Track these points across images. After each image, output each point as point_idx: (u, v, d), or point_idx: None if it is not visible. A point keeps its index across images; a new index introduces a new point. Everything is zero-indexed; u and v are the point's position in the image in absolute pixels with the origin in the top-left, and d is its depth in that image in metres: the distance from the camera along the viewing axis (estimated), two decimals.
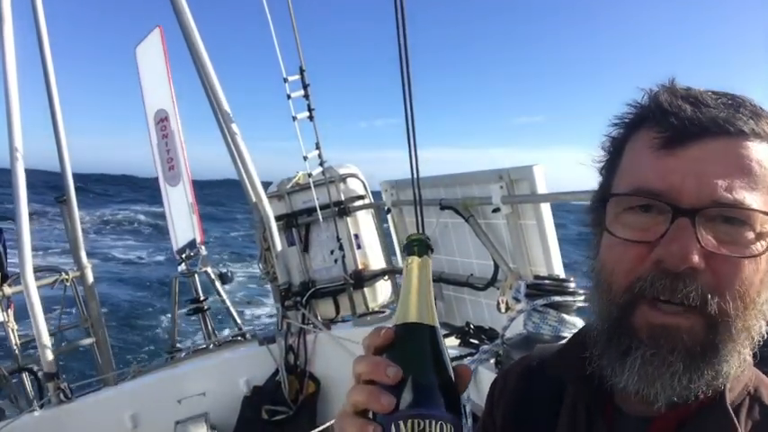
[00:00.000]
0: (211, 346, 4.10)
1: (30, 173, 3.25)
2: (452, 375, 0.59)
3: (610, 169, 0.69)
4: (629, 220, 0.62)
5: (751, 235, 0.58)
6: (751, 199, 0.58)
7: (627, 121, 0.67)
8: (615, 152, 0.68)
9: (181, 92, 4.60)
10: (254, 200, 3.77)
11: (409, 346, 0.59)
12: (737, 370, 0.61)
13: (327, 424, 3.11)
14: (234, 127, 3.68)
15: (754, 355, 0.68)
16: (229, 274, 4.82)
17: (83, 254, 3.87)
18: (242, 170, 3.76)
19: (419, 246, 0.62)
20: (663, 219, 0.59)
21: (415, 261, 0.62)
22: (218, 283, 4.69)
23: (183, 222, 4.68)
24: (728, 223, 0.58)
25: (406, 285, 0.62)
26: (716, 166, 0.58)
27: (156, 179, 4.90)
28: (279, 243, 3.83)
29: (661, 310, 0.59)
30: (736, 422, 0.62)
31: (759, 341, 0.63)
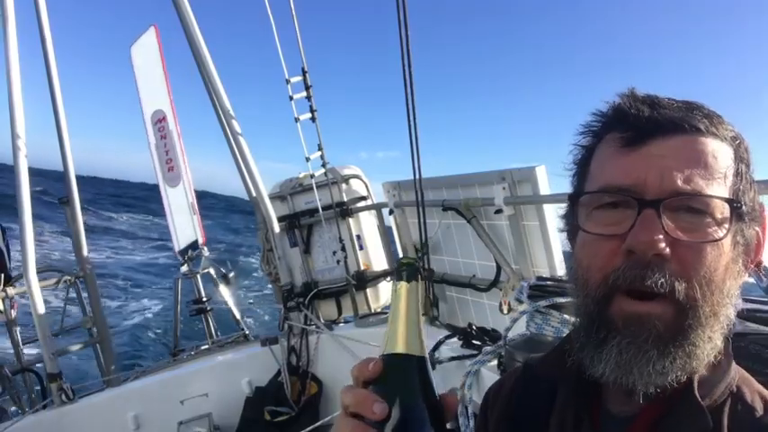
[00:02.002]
0: (214, 347, 4.11)
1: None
2: (440, 407, 0.59)
3: (581, 175, 0.73)
4: (599, 217, 0.67)
5: (711, 222, 0.63)
6: (709, 189, 0.63)
7: (593, 129, 0.72)
8: (584, 159, 0.73)
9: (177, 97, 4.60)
10: (254, 195, 3.77)
11: (397, 380, 0.59)
12: (709, 354, 0.64)
13: (328, 417, 3.11)
14: (235, 125, 3.68)
15: (738, 353, 0.70)
16: (230, 274, 4.82)
17: (86, 255, 3.88)
18: (244, 170, 3.77)
19: (408, 271, 0.62)
20: (630, 212, 0.63)
21: (403, 287, 0.62)
22: (221, 284, 4.70)
23: (183, 223, 4.68)
24: (690, 213, 0.63)
25: (393, 312, 0.62)
26: (675, 160, 0.63)
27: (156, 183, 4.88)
28: (280, 242, 3.83)
29: (634, 299, 0.63)
30: (705, 409, 0.63)
31: (729, 327, 0.66)
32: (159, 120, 4.65)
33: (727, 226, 0.63)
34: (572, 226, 0.72)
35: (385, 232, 4.02)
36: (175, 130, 4.56)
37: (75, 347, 3.84)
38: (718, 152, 0.65)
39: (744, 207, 0.64)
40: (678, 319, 0.62)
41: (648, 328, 0.62)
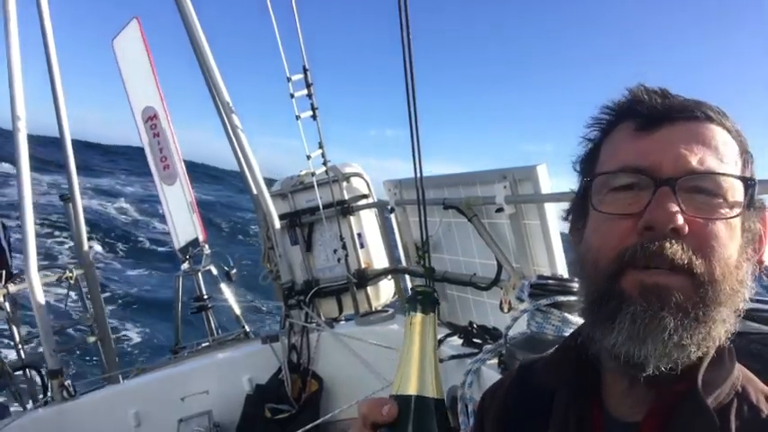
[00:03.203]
0: (214, 344, 4.11)
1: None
2: None
3: (589, 162, 0.73)
4: (613, 200, 0.67)
5: (724, 203, 0.64)
6: (721, 169, 0.64)
7: (604, 120, 0.72)
8: (593, 152, 0.73)
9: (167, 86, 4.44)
10: (254, 192, 3.77)
11: (413, 426, 0.53)
12: (722, 337, 0.63)
13: (329, 415, 3.12)
14: (235, 119, 3.64)
15: (738, 352, 0.68)
16: (232, 271, 4.81)
17: (87, 251, 3.88)
18: (245, 167, 3.76)
19: (423, 300, 0.56)
20: (645, 193, 0.64)
21: (418, 319, 0.55)
22: (223, 282, 4.70)
23: (183, 221, 4.65)
24: (703, 194, 0.63)
25: (407, 348, 0.56)
26: (689, 144, 0.65)
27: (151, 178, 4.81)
28: (281, 240, 3.83)
29: (651, 271, 0.61)
30: (712, 411, 0.61)
31: (739, 315, 0.65)
32: (150, 117, 4.52)
33: (739, 208, 0.64)
34: (580, 215, 0.72)
35: (386, 230, 4.02)
36: (168, 128, 4.45)
37: (77, 344, 3.85)
38: (729, 141, 0.67)
39: (756, 186, 0.66)
40: (698, 292, 0.61)
41: (668, 298, 0.60)
